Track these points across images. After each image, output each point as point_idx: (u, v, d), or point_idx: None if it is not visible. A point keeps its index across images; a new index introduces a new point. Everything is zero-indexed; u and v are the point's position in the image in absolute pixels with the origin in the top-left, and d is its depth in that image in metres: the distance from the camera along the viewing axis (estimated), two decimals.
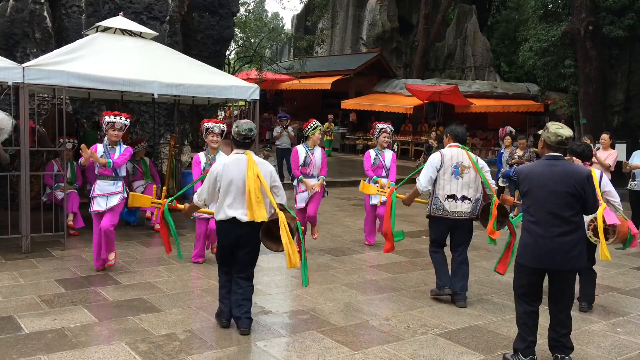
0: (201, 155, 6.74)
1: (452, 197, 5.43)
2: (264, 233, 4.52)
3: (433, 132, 17.13)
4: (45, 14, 9.72)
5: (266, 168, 4.69)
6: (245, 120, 4.82)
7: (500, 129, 19.85)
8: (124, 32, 8.34)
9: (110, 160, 6.20)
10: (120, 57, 7.65)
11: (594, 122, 16.09)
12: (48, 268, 6.36)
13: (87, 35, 8.43)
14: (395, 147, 17.09)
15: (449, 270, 5.65)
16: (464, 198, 5.44)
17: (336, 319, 5.05)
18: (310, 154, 7.46)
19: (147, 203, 5.88)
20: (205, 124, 6.75)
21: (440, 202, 5.45)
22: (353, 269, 6.83)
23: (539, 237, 4.00)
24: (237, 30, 22.15)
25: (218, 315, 4.82)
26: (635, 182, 8.78)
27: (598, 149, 9.26)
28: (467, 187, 5.44)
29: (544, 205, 4.00)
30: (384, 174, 7.78)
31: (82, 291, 5.59)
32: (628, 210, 9.46)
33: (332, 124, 22.05)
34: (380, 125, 7.94)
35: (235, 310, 4.64)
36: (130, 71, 7.47)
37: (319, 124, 7.64)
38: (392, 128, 8.09)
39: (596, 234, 5.08)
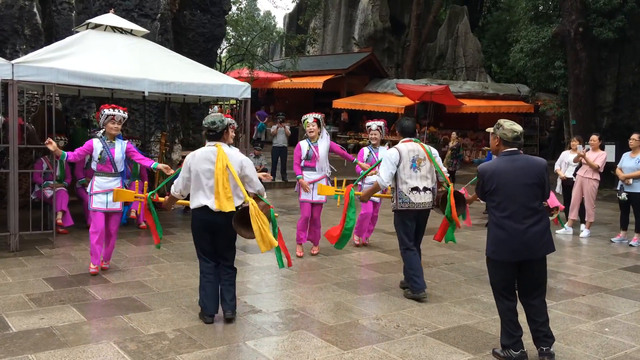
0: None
1: (416, 189, 5.69)
2: (236, 221, 4.66)
3: (454, 133, 17.00)
4: (35, 10, 9.63)
5: (236, 158, 4.79)
6: (213, 114, 4.99)
7: None
8: (114, 29, 8.30)
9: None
10: (110, 55, 7.61)
11: (583, 123, 16.18)
12: (36, 266, 6.32)
13: (78, 32, 8.37)
14: (387, 146, 16.99)
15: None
16: (425, 189, 5.72)
17: (326, 318, 5.06)
18: (314, 147, 7.20)
19: (131, 198, 5.86)
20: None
21: (406, 195, 5.68)
22: (343, 268, 6.84)
23: (513, 230, 4.09)
24: (228, 29, 22.05)
25: (203, 313, 4.89)
26: (625, 192, 8.79)
27: (588, 150, 9.32)
28: (425, 179, 5.74)
29: (515, 199, 4.11)
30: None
31: (71, 290, 5.56)
32: (617, 210, 9.53)
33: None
34: (369, 123, 8.00)
35: (225, 295, 4.88)
36: (121, 69, 7.43)
37: (307, 116, 7.39)
38: (379, 125, 7.96)
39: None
